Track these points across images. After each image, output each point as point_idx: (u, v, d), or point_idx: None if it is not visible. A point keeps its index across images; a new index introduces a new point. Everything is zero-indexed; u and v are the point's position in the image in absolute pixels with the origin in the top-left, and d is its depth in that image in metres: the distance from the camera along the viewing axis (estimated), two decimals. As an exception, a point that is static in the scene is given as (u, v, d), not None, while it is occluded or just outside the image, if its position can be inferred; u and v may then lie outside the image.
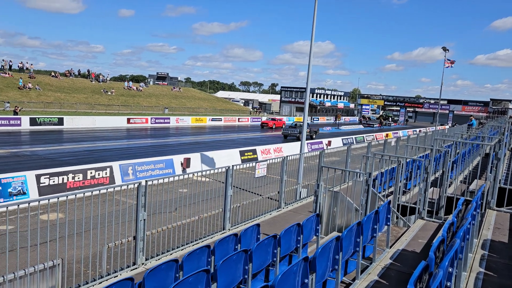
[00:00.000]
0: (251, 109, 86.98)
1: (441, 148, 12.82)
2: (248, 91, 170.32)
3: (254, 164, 10.80)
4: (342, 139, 34.70)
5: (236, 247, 5.82)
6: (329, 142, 29.80)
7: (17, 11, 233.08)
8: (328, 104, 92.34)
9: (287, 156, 11.83)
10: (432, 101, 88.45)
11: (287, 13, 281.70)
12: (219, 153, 21.90)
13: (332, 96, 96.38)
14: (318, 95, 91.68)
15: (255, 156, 23.47)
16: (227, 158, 21.27)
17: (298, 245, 5.59)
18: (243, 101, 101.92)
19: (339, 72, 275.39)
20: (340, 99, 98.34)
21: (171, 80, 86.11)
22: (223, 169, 9.27)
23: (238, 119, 60.25)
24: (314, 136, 38.26)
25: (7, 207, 5.01)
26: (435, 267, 3.42)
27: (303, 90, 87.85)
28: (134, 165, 17.78)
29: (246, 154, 22.87)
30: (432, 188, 9.59)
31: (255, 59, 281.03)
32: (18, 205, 5.09)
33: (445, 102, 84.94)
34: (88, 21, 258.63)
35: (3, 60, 60.29)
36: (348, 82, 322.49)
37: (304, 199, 13.22)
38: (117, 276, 6.49)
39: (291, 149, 24.92)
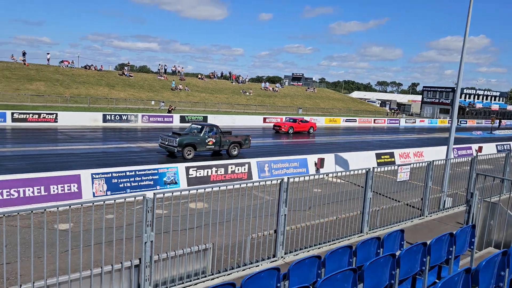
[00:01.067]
0: (388, 110, 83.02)
1: None
2: (385, 92, 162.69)
3: (395, 167, 10.27)
4: (497, 145, 30.71)
5: (378, 251, 5.62)
6: (480, 148, 26.66)
7: (172, 20, 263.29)
8: (479, 105, 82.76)
9: (433, 161, 10.96)
10: None
11: (433, 7, 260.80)
12: (353, 154, 21.39)
13: (485, 97, 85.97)
14: (467, 96, 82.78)
15: (393, 159, 22.30)
16: (362, 160, 20.64)
17: (450, 256, 5.13)
18: (380, 101, 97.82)
19: (494, 69, 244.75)
20: (494, 100, 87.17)
21: (305, 80, 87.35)
22: (360, 171, 9.03)
23: (374, 120, 58.10)
24: (235, 152, 22.58)
25: (172, 193, 5.68)
26: None
27: (449, 90, 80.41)
28: (270, 162, 18.42)
29: (382, 157, 21.90)
30: None
31: (394, 57, 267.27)
32: (181, 192, 5.73)
33: None
34: (231, 26, 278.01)
35: (159, 64, 68.94)
36: (505, 81, 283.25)
37: (451, 209, 12.08)
38: (258, 265, 6.83)
39: (434, 153, 23.02)
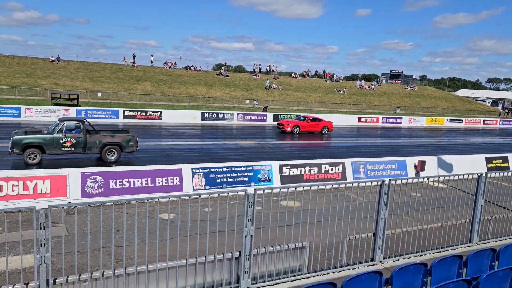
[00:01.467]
0: (501, 110, 75.21)
1: None
2: (498, 89, 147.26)
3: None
4: None
5: (493, 263, 5.13)
6: None
7: (267, 20, 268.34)
8: None
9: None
10: None
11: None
12: (459, 158, 19.78)
13: None
14: None
15: (506, 164, 20.16)
16: (468, 164, 19.01)
17: None
18: (490, 100, 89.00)
19: None
20: None
21: (405, 78, 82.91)
22: (469, 176, 8.29)
23: (483, 121, 53.11)
24: (113, 157, 17.37)
25: (272, 190, 5.79)
26: None
27: None
28: (365, 163, 17.83)
29: (493, 161, 19.91)
30: None
31: (510, 51, 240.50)
32: (280, 189, 5.82)
33: None
34: (326, 24, 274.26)
35: (254, 64, 70.79)
36: None
37: None
38: (355, 268, 6.66)
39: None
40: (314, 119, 33.41)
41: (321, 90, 65.37)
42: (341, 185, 6.67)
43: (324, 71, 74.54)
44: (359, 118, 44.96)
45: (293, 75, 71.15)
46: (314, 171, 16.56)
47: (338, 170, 17.08)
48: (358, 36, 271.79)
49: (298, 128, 31.77)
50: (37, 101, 39.12)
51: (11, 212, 4.73)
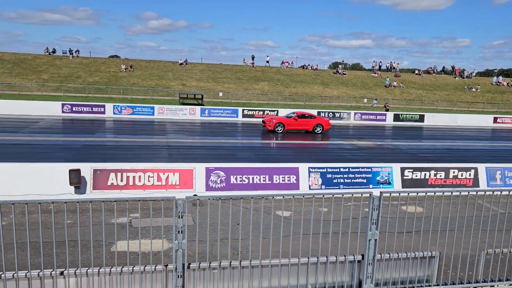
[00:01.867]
0: None
1: None
2: None
3: None
4: None
5: None
6: None
7: (388, 15, 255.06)
8: None
9: None
10: None
11: None
12: None
13: None
14: None
15: None
16: None
17: None
18: None
19: None
20: None
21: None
22: None
23: None
24: None
25: (399, 194, 5.49)
26: None
27: None
28: (503, 169, 15.93)
29: None
30: None
31: None
32: (408, 194, 5.48)
33: None
34: (456, 15, 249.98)
35: (374, 61, 68.21)
36: None
37: None
38: (493, 285, 5.97)
39: None
40: (304, 115, 29.10)
41: (449, 87, 60.09)
42: (478, 193, 6.00)
43: (452, 67, 68.38)
44: (495, 119, 40.27)
45: (416, 72, 66.71)
46: (440, 176, 15.35)
47: (469, 175, 15.55)
48: (495, 27, 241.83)
49: (281, 127, 27.67)
50: (167, 101, 43.21)
51: (147, 201, 5.36)
